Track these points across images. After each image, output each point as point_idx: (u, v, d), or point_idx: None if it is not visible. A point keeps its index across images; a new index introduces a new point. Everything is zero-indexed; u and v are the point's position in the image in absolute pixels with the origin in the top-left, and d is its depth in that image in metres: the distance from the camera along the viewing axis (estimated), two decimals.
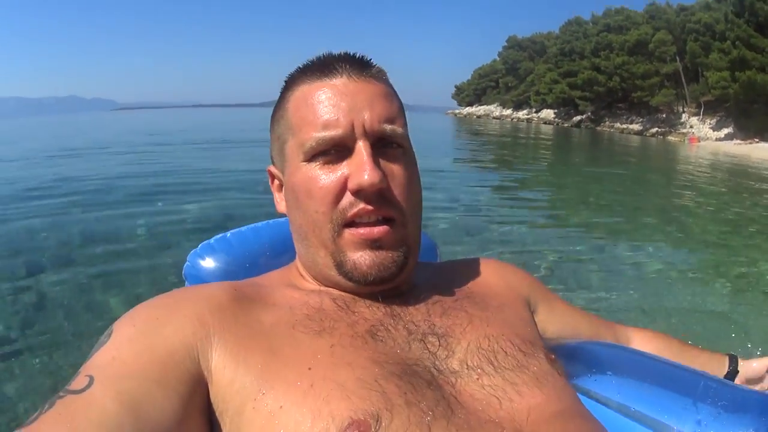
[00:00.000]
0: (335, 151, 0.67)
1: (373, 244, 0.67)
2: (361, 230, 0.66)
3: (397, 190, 0.69)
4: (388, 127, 0.69)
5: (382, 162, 0.68)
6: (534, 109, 70.75)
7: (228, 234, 0.93)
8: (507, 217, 6.01)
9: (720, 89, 40.49)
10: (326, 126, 0.67)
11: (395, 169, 0.69)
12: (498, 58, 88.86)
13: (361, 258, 0.67)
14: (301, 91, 0.71)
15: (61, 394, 0.52)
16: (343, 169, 0.67)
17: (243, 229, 0.94)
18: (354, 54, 0.73)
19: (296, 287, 0.71)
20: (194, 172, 8.26)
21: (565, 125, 60.12)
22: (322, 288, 0.71)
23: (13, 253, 3.88)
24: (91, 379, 0.52)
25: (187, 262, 0.90)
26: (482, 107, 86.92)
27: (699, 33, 49.28)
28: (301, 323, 0.63)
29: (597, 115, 59.74)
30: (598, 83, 56.89)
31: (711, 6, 53.21)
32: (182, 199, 5.92)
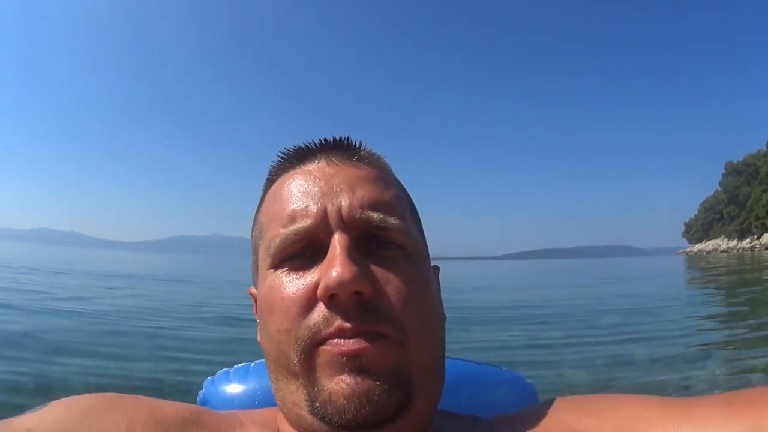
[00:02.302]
0: (308, 252, 0.53)
1: (354, 365, 0.48)
2: (338, 346, 0.49)
3: (394, 299, 0.51)
4: (375, 215, 0.53)
5: (374, 266, 0.52)
6: (755, 236, 75.20)
7: (252, 364, 0.85)
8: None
9: None
10: (293, 218, 0.54)
11: (388, 273, 0.52)
12: (719, 188, 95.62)
13: (338, 386, 0.48)
14: (275, 185, 0.60)
15: None
16: (314, 273, 0.52)
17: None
18: (338, 137, 0.61)
19: (269, 429, 0.57)
20: None
21: None
22: None
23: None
24: None
25: (203, 388, 0.85)
26: (710, 242, 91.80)
27: None
28: None
29: None
30: None
31: None
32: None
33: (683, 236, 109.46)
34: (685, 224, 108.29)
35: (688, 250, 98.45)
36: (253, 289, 0.62)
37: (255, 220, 0.62)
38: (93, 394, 0.56)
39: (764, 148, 79.95)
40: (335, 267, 0.49)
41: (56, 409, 0.53)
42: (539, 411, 0.57)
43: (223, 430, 0.55)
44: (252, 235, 0.62)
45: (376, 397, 0.48)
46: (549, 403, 0.57)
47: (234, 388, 0.81)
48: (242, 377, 0.82)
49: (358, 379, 0.48)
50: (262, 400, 0.77)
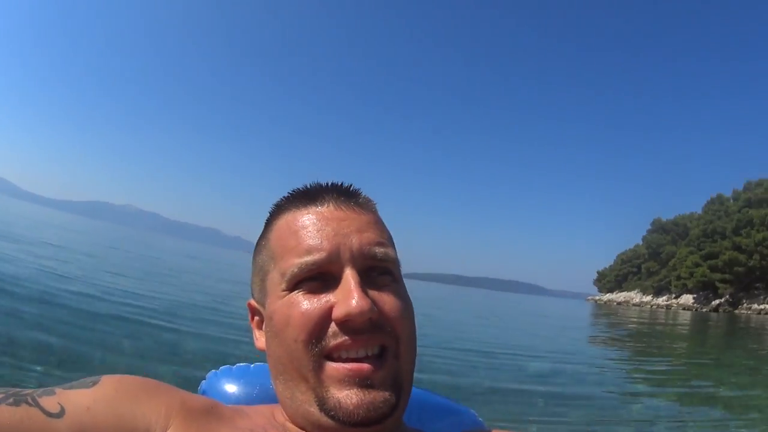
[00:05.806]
0: (320, 280, 0.66)
1: (363, 382, 0.62)
2: (348, 366, 0.62)
3: (390, 317, 0.65)
4: (378, 250, 0.67)
5: (372, 292, 0.65)
6: (674, 295, 68.75)
7: (252, 365, 0.94)
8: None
9: None
10: (309, 251, 0.66)
11: (386, 297, 0.66)
12: (642, 243, 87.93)
13: (347, 397, 0.62)
14: (285, 219, 0.71)
15: (29, 400, 0.59)
16: (327, 297, 0.65)
17: (266, 365, 0.86)
18: (341, 183, 0.74)
19: (273, 424, 0.69)
20: None
21: (704, 310, 56.97)
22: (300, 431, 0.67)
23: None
24: (63, 411, 0.59)
25: (205, 380, 0.94)
26: (622, 294, 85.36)
27: None
28: None
29: (735, 297, 56.98)
30: (738, 263, 55.47)
31: None
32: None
33: (594, 284, 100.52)
34: (598, 272, 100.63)
35: (597, 298, 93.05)
36: (253, 302, 0.75)
37: (263, 246, 0.74)
38: (138, 377, 0.67)
39: (697, 212, 75.16)
40: (354, 299, 0.62)
41: (108, 388, 0.63)
42: None
43: (235, 421, 0.67)
44: (258, 257, 0.74)
45: (378, 403, 0.62)
46: None
47: (234, 385, 0.90)
48: (242, 376, 0.92)
49: (366, 392, 0.62)
50: (258, 398, 0.87)
